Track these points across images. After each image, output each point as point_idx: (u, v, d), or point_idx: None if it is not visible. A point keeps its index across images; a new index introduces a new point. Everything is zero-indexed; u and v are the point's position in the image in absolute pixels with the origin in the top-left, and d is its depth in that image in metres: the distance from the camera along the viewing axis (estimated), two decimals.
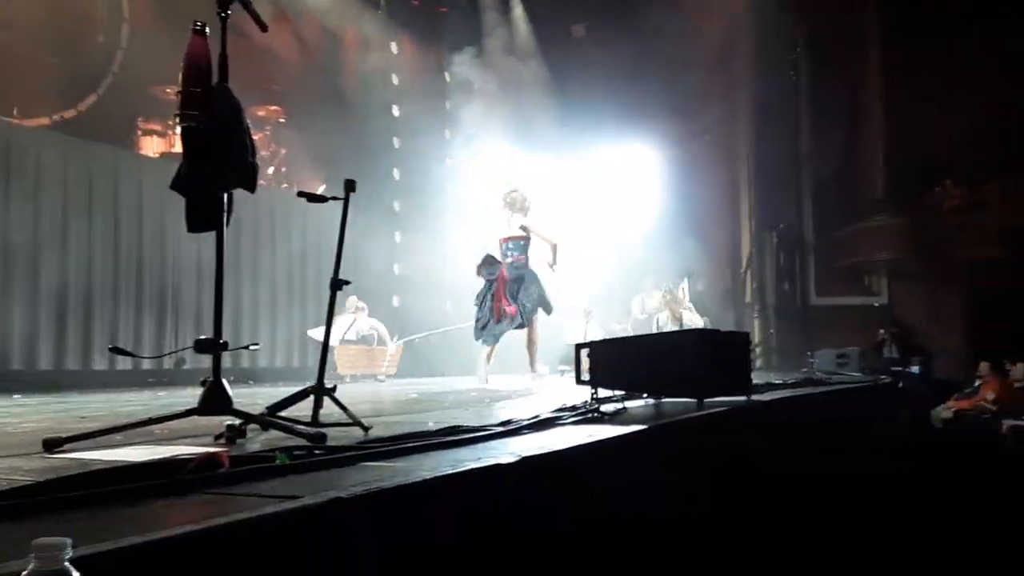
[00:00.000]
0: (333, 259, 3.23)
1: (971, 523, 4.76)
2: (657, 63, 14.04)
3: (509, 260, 7.37)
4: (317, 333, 10.97)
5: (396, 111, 12.02)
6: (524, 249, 7.42)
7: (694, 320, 11.34)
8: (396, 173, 11.83)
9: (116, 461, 2.00)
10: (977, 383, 10.62)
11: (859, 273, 14.46)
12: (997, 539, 4.51)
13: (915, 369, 12.54)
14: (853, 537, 4.63)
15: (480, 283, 7.60)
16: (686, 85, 14.07)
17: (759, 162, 14.51)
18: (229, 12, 2.73)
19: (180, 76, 2.67)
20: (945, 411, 10.53)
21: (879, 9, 14.28)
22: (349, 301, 9.75)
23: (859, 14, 14.47)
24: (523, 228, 7.39)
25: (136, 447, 2.35)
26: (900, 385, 10.84)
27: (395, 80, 12.15)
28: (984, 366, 10.71)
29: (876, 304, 13.98)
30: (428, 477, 1.76)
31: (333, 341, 11.14)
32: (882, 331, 13.34)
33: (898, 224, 13.30)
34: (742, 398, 4.10)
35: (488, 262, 7.49)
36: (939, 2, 13.07)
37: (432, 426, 2.73)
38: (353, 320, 9.83)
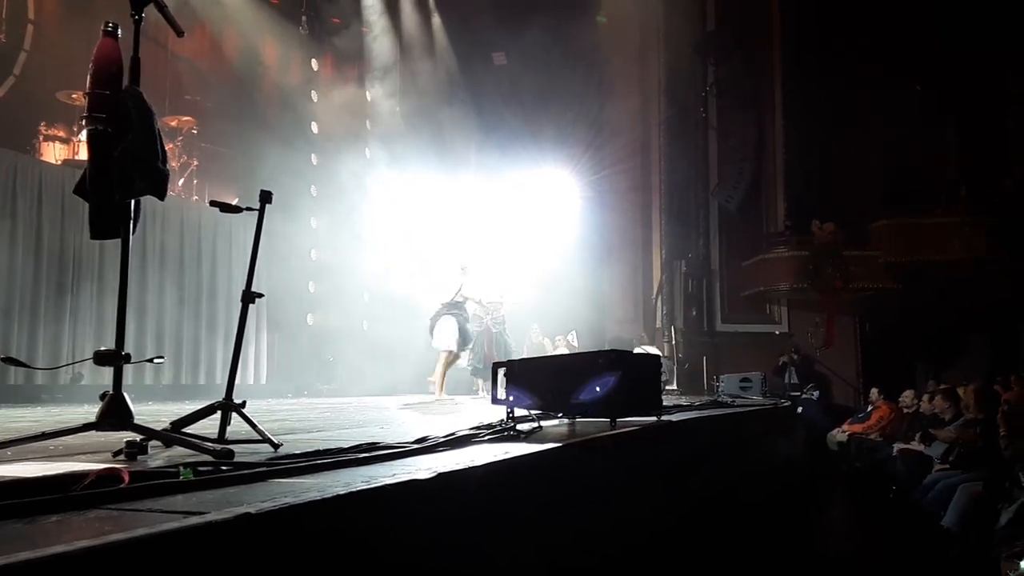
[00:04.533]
0: (245, 272, 3.14)
1: None
2: (572, 94, 14.41)
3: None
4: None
5: (315, 128, 11.85)
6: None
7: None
8: (314, 190, 11.63)
9: (6, 477, 1.89)
10: (869, 408, 11.18)
11: (762, 302, 15.07)
12: None
13: (813, 395, 13.15)
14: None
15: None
16: (599, 116, 14.49)
17: (669, 193, 15.00)
18: (143, 15, 2.65)
19: (88, 78, 2.57)
20: (840, 434, 11.04)
21: (782, 55, 15.10)
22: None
23: (764, 58, 15.26)
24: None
25: (28, 463, 2.21)
26: (799, 410, 11.32)
27: (314, 97, 12.00)
28: (875, 392, 11.30)
29: (777, 332, 14.59)
30: (342, 493, 1.72)
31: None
32: (783, 358, 13.93)
33: (796, 256, 13.96)
34: (653, 418, 4.20)
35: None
36: (836, 53, 13.92)
37: (346, 443, 2.68)
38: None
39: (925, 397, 9.27)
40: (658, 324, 14.43)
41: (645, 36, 15.17)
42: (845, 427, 11.12)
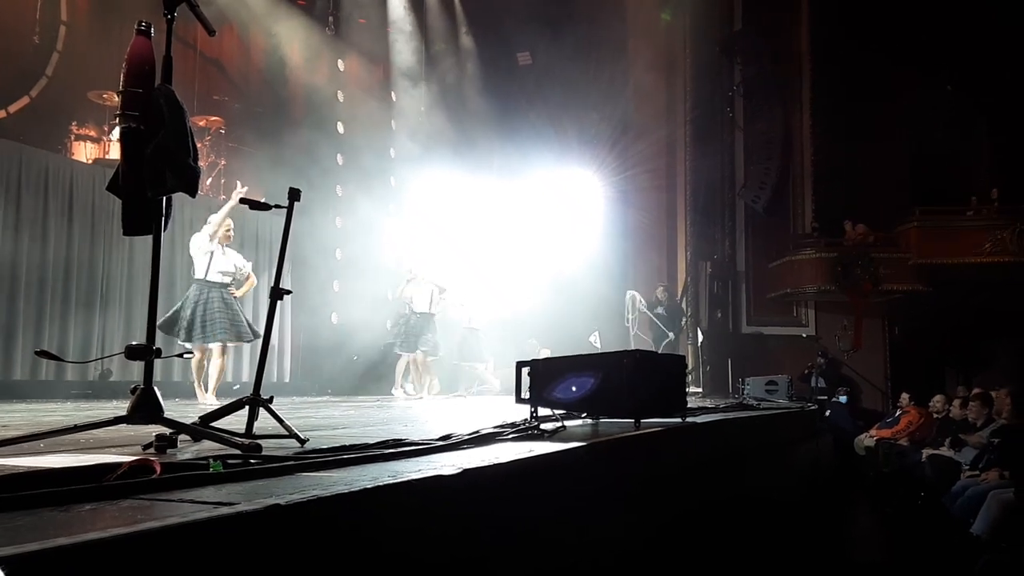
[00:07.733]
0: (270, 271, 3.17)
1: None
2: (597, 93, 14.38)
3: None
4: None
5: (341, 128, 11.93)
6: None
7: None
8: (339, 190, 11.71)
9: (41, 467, 1.92)
10: (898, 413, 11.02)
11: (789, 304, 14.91)
12: None
13: (841, 398, 12.99)
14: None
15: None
16: (625, 116, 14.45)
17: (695, 194, 14.89)
18: (175, 14, 2.69)
19: (122, 76, 2.61)
20: (868, 439, 10.89)
21: (811, 54, 14.93)
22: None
23: (792, 57, 15.11)
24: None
25: (60, 455, 2.25)
26: (827, 414, 11.18)
27: (340, 97, 12.08)
28: (905, 397, 11.13)
29: (804, 335, 14.43)
30: (368, 486, 1.74)
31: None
32: (810, 361, 13.77)
33: (825, 258, 13.80)
34: (677, 420, 4.17)
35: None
36: (865, 52, 13.75)
37: (371, 440, 2.70)
38: None
39: (956, 402, 9.13)
40: (682, 325, 14.33)
41: (671, 35, 15.09)
42: (873, 432, 10.96)
